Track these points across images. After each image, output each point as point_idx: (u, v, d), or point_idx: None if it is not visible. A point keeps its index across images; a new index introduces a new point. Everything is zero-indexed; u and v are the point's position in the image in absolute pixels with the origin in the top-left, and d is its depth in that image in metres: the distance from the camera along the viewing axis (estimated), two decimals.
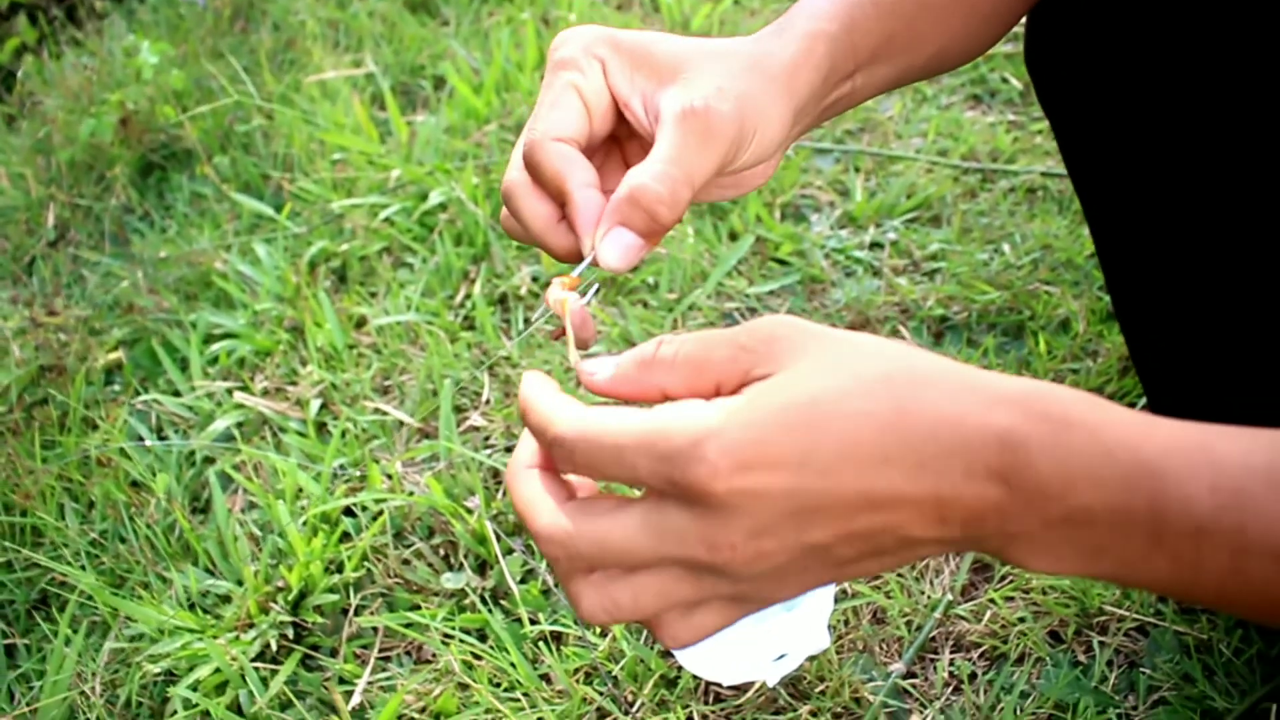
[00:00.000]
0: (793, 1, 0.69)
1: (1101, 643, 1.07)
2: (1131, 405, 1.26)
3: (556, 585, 1.16)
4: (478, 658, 1.11)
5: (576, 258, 0.59)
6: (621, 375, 0.49)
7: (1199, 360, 1.00)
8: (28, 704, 1.19)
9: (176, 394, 1.49)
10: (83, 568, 1.27)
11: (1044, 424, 0.42)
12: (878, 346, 0.45)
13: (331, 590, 1.19)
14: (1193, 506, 0.41)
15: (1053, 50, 0.90)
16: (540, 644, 1.11)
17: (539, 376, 0.51)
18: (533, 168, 0.59)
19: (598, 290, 0.60)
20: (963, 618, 1.11)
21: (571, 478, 0.50)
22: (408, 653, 1.16)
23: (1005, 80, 1.83)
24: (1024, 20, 0.91)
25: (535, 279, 1.54)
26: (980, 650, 1.09)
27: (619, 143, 0.69)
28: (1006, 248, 1.50)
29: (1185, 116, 0.85)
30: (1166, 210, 0.91)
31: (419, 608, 1.17)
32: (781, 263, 1.52)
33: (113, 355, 1.61)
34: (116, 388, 1.57)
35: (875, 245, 1.54)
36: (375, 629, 1.17)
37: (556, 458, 0.48)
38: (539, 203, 0.59)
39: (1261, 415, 0.99)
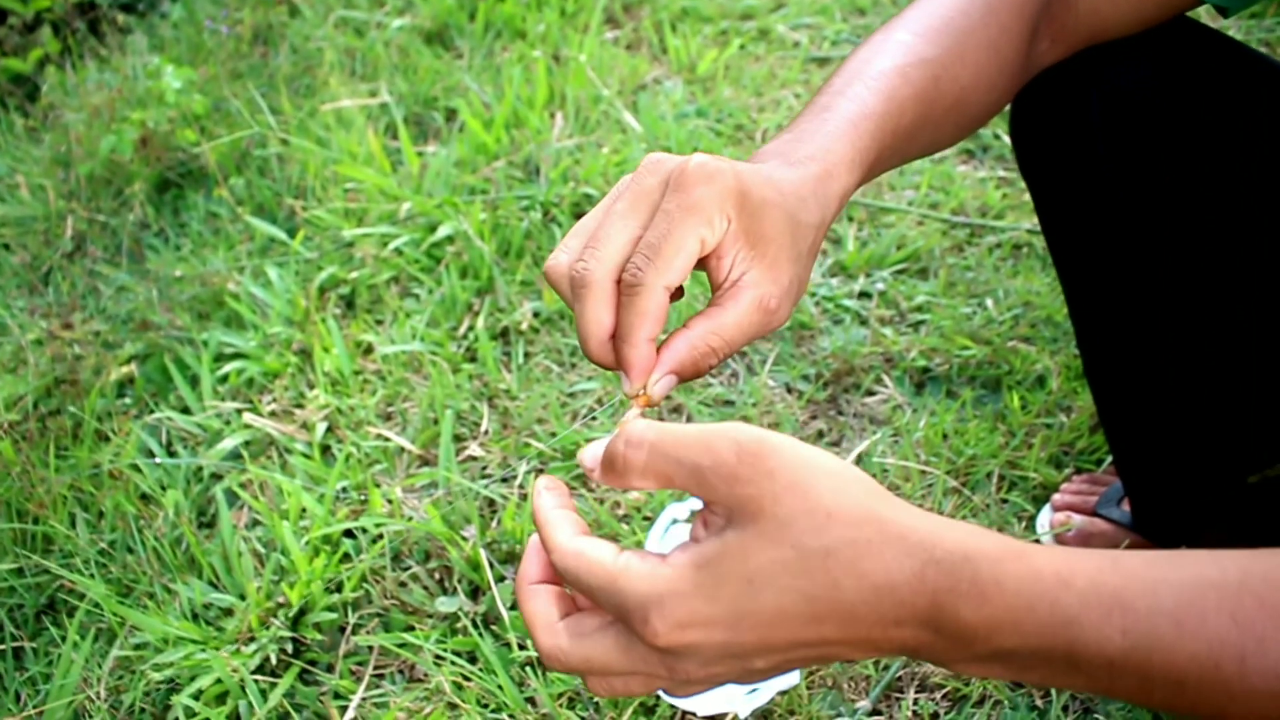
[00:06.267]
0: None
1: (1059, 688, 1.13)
2: (1099, 462, 1.33)
3: None
4: (467, 679, 1.17)
5: (601, 358, 0.64)
6: (602, 475, 0.57)
7: (1162, 420, 1.07)
8: (34, 707, 1.24)
9: (186, 410, 1.55)
10: (91, 576, 1.32)
11: (973, 585, 0.49)
12: (834, 504, 0.50)
13: (330, 609, 1.25)
14: (1106, 647, 0.48)
15: (1036, 124, 0.96)
16: (527, 669, 1.17)
17: (550, 488, 0.58)
18: (630, 295, 0.61)
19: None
20: None
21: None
22: (401, 672, 1.22)
23: (997, 136, 1.90)
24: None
25: (537, 314, 1.60)
26: (944, 691, 1.14)
27: None
28: (989, 303, 1.56)
29: (1157, 197, 0.92)
30: (1136, 280, 0.97)
31: (413, 629, 1.23)
32: None
33: (125, 369, 1.67)
34: (128, 400, 1.63)
35: (864, 295, 1.61)
36: (371, 648, 1.23)
37: (556, 571, 0.56)
38: (606, 313, 0.62)
39: (1214, 476, 1.05)
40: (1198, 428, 1.05)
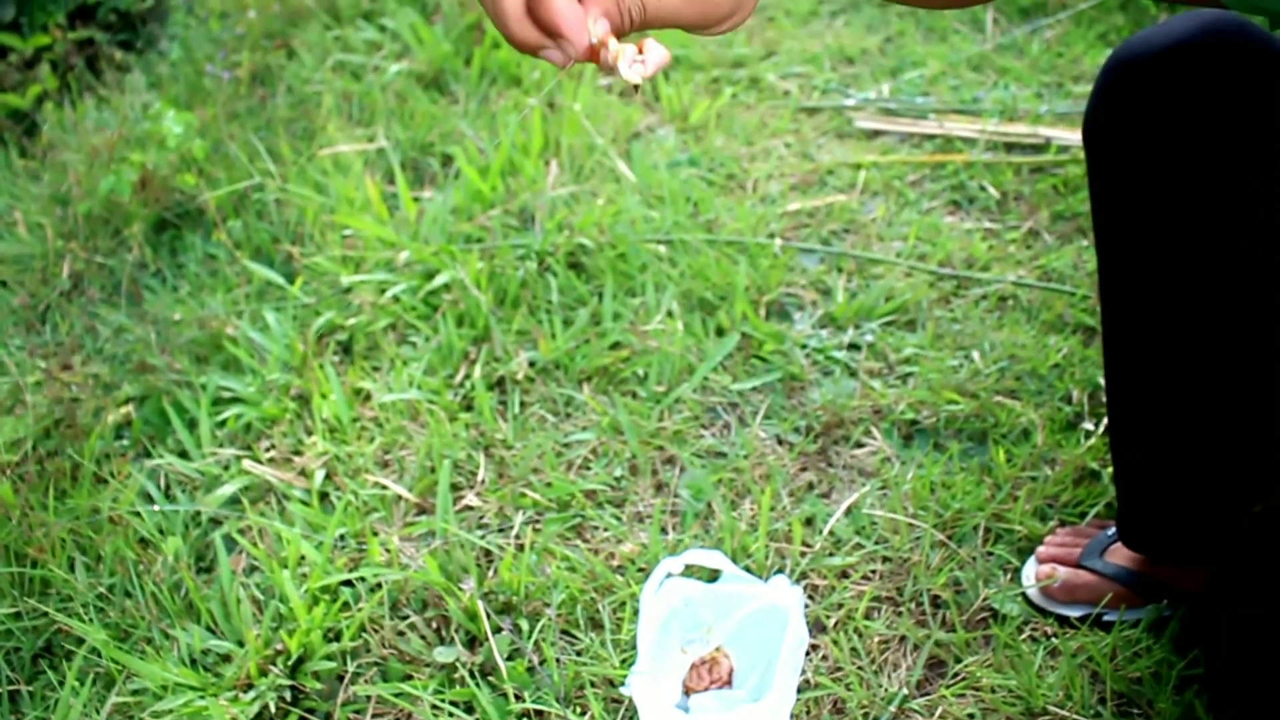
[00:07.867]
0: None
1: None
2: (1083, 514, 1.36)
3: (542, 664, 1.24)
4: None
5: (522, 36, 0.64)
6: None
7: (1179, 440, 1.08)
8: None
9: (184, 454, 1.57)
10: (90, 621, 1.34)
11: None
12: None
13: (329, 657, 1.27)
14: None
15: (1112, 130, 0.97)
16: None
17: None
18: None
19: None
20: (917, 712, 1.19)
21: None
22: None
23: (983, 188, 1.94)
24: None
25: (532, 364, 1.63)
26: None
27: None
28: (976, 355, 1.59)
29: (1226, 207, 0.93)
30: (1184, 290, 0.99)
31: (411, 678, 1.25)
32: (764, 360, 1.62)
33: (123, 411, 1.69)
34: (126, 442, 1.64)
35: (853, 346, 1.64)
36: (369, 697, 1.24)
37: None
38: None
39: (1222, 501, 1.05)
40: (1218, 449, 1.06)
